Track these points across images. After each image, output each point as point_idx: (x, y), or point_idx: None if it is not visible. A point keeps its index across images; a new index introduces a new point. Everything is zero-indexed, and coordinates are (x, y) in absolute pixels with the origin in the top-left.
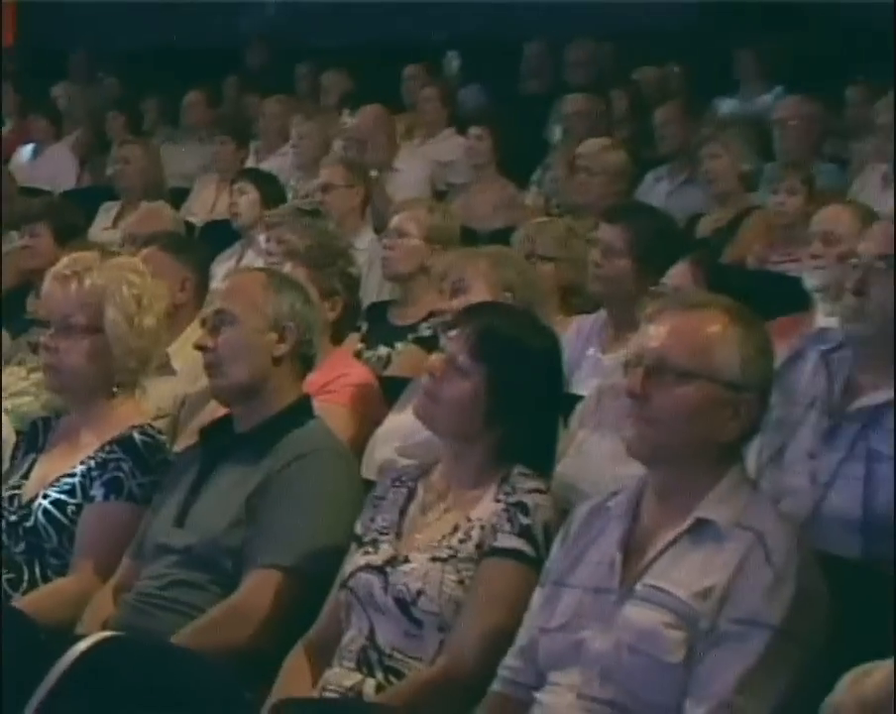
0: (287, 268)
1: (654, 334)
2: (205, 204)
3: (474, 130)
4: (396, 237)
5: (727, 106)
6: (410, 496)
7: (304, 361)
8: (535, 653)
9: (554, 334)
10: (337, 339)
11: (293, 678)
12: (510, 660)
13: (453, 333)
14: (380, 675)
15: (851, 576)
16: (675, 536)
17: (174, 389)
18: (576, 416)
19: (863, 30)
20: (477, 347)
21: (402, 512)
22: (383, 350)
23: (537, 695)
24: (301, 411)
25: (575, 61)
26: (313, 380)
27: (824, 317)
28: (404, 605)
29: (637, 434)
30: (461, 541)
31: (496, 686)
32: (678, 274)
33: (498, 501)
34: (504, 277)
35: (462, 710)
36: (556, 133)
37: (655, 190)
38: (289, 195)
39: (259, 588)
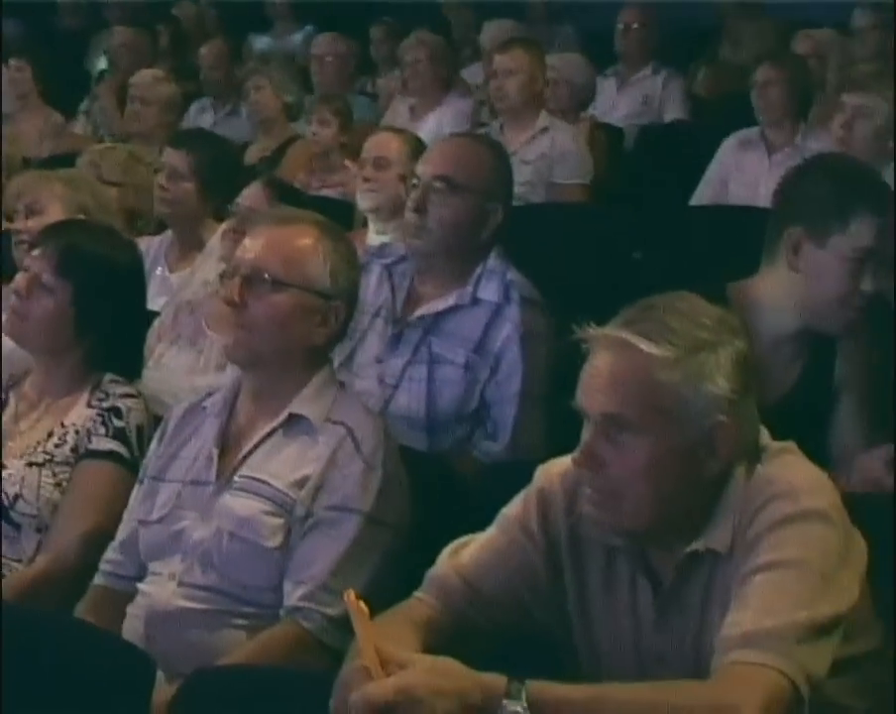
0: None
1: (250, 247)
2: None
3: (14, 62)
4: None
5: (261, 43)
6: (2, 406)
7: None
8: (135, 545)
9: (136, 248)
10: None
11: None
12: (111, 554)
13: (36, 252)
14: None
15: (421, 466)
16: (270, 431)
17: None
18: (153, 332)
19: None
20: (61, 264)
21: None
22: None
23: (140, 586)
24: None
25: None
26: None
27: (375, 235)
28: (2, 510)
29: (235, 340)
30: (56, 446)
31: (97, 580)
32: (252, 195)
33: (91, 406)
34: (78, 199)
35: (64, 606)
36: (99, 65)
37: (200, 121)
38: None
39: None
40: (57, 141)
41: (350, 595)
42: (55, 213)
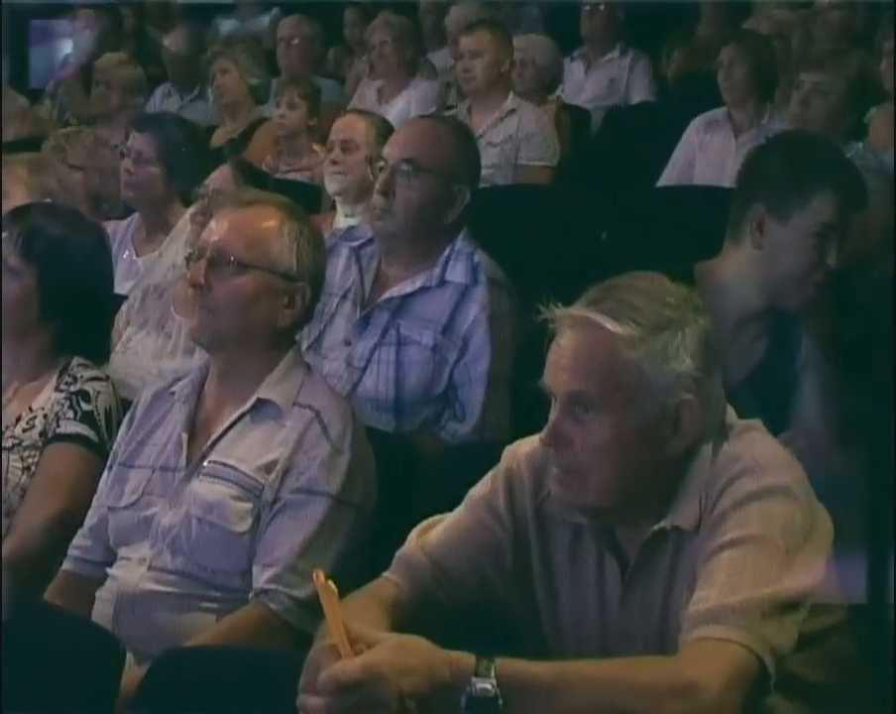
0: None
1: (215, 229)
2: None
3: None
4: None
5: (227, 26)
6: None
7: None
8: (104, 531)
9: (101, 230)
10: None
11: None
12: (80, 540)
13: (2, 236)
14: None
15: (386, 447)
16: (238, 416)
17: None
18: (120, 316)
19: None
20: (26, 247)
21: None
22: None
23: (109, 571)
24: None
25: None
26: None
27: (343, 219)
28: None
29: (200, 323)
30: (24, 431)
31: (66, 565)
32: (220, 177)
33: (59, 390)
34: (42, 183)
35: (32, 591)
36: (66, 48)
37: (165, 105)
38: None
39: None
40: (23, 125)
41: (318, 575)
42: (19, 197)
